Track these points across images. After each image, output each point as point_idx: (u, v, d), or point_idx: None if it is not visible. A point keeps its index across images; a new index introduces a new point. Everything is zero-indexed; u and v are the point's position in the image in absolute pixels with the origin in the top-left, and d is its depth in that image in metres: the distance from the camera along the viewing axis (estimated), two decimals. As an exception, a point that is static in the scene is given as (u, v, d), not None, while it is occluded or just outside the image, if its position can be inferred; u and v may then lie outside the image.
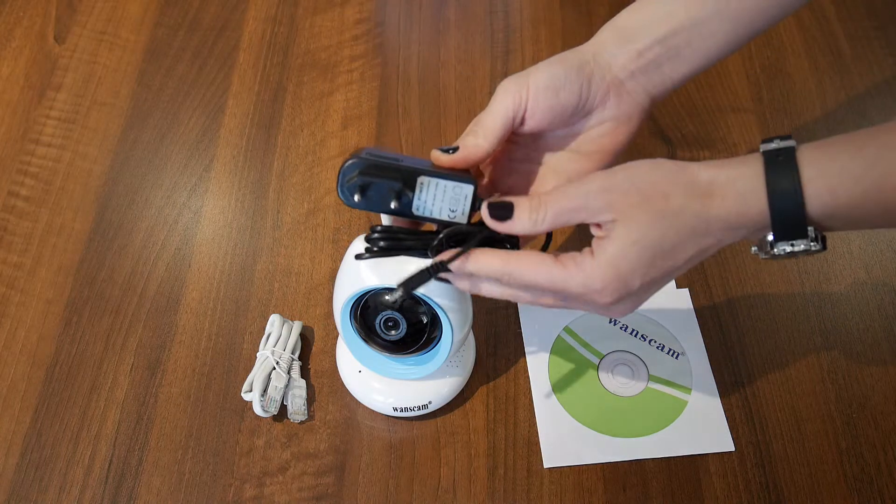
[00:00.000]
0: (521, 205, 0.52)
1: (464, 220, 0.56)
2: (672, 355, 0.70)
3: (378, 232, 0.57)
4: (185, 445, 0.66)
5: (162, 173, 0.81)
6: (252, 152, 0.83)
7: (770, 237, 0.50)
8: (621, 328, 0.72)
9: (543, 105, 0.56)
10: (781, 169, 0.49)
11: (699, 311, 0.73)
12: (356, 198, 0.54)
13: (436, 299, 0.59)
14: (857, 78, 0.88)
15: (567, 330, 0.72)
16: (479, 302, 0.72)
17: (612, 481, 0.64)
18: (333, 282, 0.63)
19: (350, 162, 0.54)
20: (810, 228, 0.50)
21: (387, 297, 0.60)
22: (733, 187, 0.50)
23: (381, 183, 0.54)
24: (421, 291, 0.59)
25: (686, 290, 0.74)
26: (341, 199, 0.55)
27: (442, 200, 0.55)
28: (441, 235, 0.55)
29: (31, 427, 0.67)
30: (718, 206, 0.50)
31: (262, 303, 0.73)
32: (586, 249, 0.52)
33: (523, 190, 0.60)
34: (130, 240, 0.77)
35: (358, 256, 0.58)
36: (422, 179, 0.54)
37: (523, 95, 0.55)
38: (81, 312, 0.73)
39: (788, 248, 0.50)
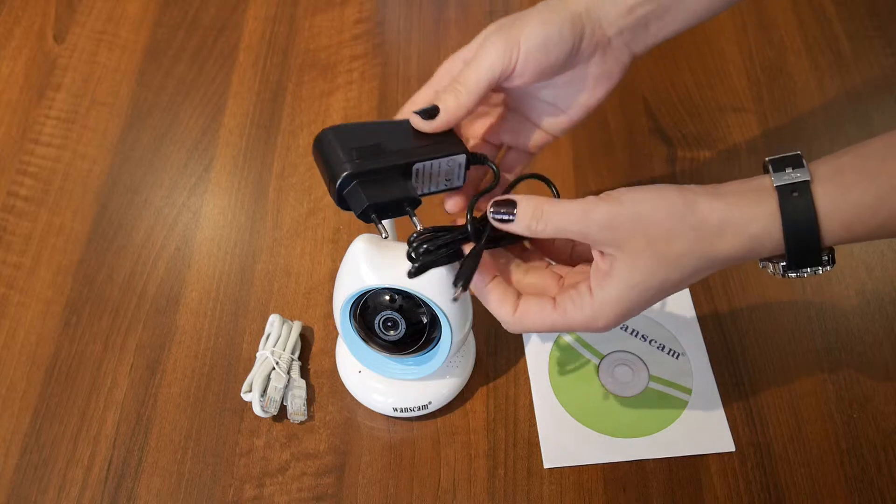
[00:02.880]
0: (524, 210, 0.52)
1: (459, 184, 0.57)
2: (672, 355, 0.70)
3: (418, 238, 0.54)
4: (184, 446, 0.66)
5: (162, 173, 0.81)
6: (252, 152, 0.83)
7: (782, 264, 0.50)
8: (621, 328, 0.72)
9: (533, 65, 0.53)
10: (798, 207, 0.48)
11: (699, 311, 0.73)
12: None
13: (435, 300, 0.59)
14: (857, 78, 0.88)
15: (567, 330, 0.72)
16: (478, 302, 0.72)
17: (612, 481, 0.64)
18: (333, 282, 0.63)
19: (343, 175, 0.52)
20: (823, 254, 0.49)
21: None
22: (746, 230, 0.49)
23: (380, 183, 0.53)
24: (421, 292, 0.59)
25: (686, 291, 0.74)
26: (342, 208, 0.54)
27: (438, 175, 0.55)
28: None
29: (30, 427, 0.67)
30: (729, 245, 0.49)
31: (261, 303, 0.73)
32: (584, 284, 0.52)
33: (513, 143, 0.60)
34: (130, 240, 0.77)
35: (411, 275, 0.54)
36: (417, 167, 0.54)
37: (513, 55, 0.53)
38: (81, 313, 0.73)
39: (800, 273, 0.50)
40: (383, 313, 0.61)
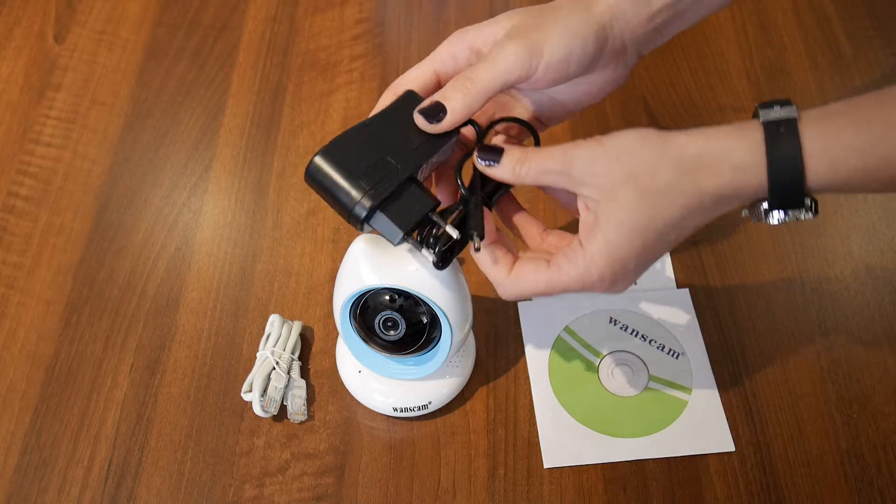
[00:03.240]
0: (509, 155, 0.51)
1: (446, 157, 0.56)
2: (672, 355, 0.70)
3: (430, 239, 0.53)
4: (184, 446, 0.66)
5: (162, 173, 0.81)
6: (252, 152, 0.83)
7: (764, 206, 0.49)
8: (621, 328, 0.72)
9: (552, 75, 0.52)
10: (784, 143, 0.47)
11: (699, 311, 0.73)
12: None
13: (435, 300, 0.59)
14: (857, 78, 0.88)
15: (567, 330, 0.71)
16: (478, 302, 0.72)
17: (612, 481, 0.64)
18: (333, 282, 0.63)
19: (363, 215, 0.49)
20: (807, 198, 0.48)
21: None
22: (729, 161, 0.48)
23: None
24: (421, 291, 0.59)
25: (686, 290, 0.74)
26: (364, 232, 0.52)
27: (437, 159, 0.54)
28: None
29: (30, 427, 0.67)
30: (711, 180, 0.48)
31: (261, 303, 0.73)
32: (575, 241, 0.51)
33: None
34: (130, 240, 0.77)
35: (440, 267, 0.54)
36: (422, 168, 0.53)
37: (534, 65, 0.51)
38: (81, 312, 0.73)
39: (783, 217, 0.49)
40: (383, 313, 0.61)
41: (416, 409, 0.66)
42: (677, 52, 0.90)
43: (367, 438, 0.66)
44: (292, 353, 0.69)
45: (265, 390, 0.66)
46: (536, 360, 0.70)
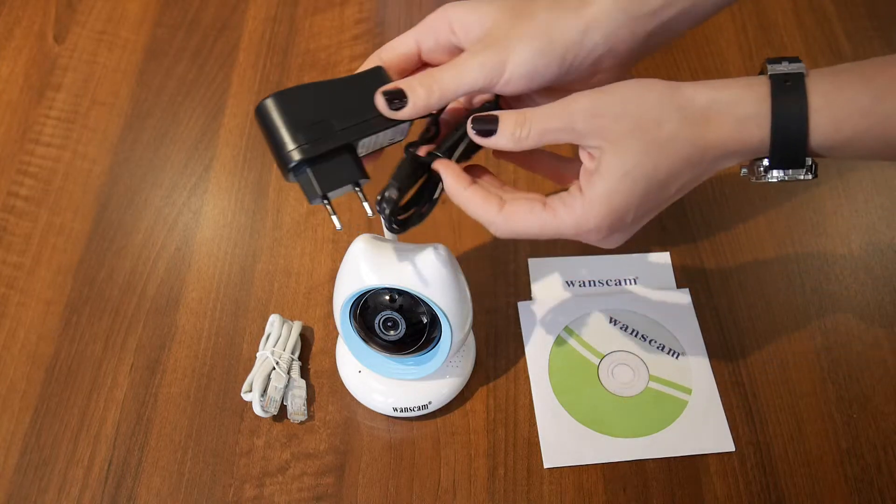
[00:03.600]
0: (506, 120, 0.50)
1: (402, 138, 0.55)
2: (672, 355, 0.70)
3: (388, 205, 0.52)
4: (184, 445, 0.66)
5: (162, 173, 0.81)
6: (252, 152, 0.83)
7: (765, 163, 0.49)
8: (621, 328, 0.72)
9: (515, 89, 0.52)
10: (789, 96, 0.46)
11: (699, 310, 0.73)
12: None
13: (435, 300, 0.59)
14: (857, 78, 0.88)
15: (567, 330, 0.72)
16: (479, 302, 0.72)
17: (612, 481, 0.64)
18: (333, 282, 0.63)
19: (293, 164, 0.50)
20: (808, 158, 0.48)
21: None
22: (733, 112, 0.47)
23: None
24: (421, 291, 0.59)
25: (686, 290, 0.74)
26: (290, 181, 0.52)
27: (384, 138, 0.54)
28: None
29: (30, 427, 0.67)
30: (715, 131, 0.47)
31: (261, 303, 0.73)
32: (574, 185, 0.50)
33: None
34: (130, 240, 0.77)
35: (397, 231, 0.53)
36: (364, 141, 0.52)
37: (495, 80, 0.51)
38: (81, 312, 0.73)
39: (781, 175, 0.49)
40: (383, 313, 0.61)
41: (416, 409, 0.66)
42: (677, 52, 0.90)
43: (367, 438, 0.66)
44: (292, 353, 0.69)
45: (265, 390, 0.66)
46: (536, 360, 0.70)
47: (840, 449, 0.65)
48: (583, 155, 0.50)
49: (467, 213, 0.52)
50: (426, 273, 0.58)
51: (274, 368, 0.67)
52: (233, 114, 0.85)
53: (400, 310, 0.61)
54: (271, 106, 0.51)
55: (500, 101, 0.56)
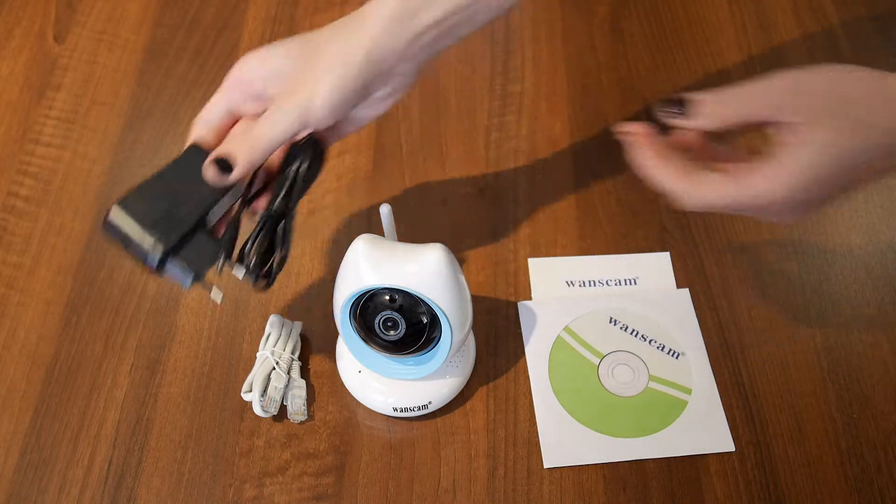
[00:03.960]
0: (705, 100, 0.50)
1: (241, 192, 0.57)
2: (672, 355, 0.70)
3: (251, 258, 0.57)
4: (184, 445, 0.66)
5: (162, 173, 0.81)
6: (252, 152, 0.82)
7: None
8: (621, 328, 0.72)
9: (328, 123, 0.56)
10: None
11: (699, 311, 0.73)
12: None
13: (435, 300, 0.59)
14: (857, 78, 0.88)
15: (567, 330, 0.72)
16: (479, 302, 0.72)
17: (612, 481, 0.64)
18: (333, 282, 0.63)
19: (150, 255, 0.54)
20: None
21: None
22: None
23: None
24: (420, 292, 0.59)
25: (686, 290, 0.74)
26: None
27: (226, 202, 0.57)
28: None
29: (30, 427, 0.67)
30: None
31: (262, 303, 0.73)
32: (771, 153, 0.49)
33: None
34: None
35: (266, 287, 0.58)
36: (209, 215, 0.56)
37: (307, 123, 0.55)
38: (81, 312, 0.73)
39: None
40: (383, 313, 0.61)
41: (416, 409, 0.66)
42: (677, 52, 0.90)
43: (367, 438, 0.66)
44: (292, 353, 0.69)
45: (265, 390, 0.66)
46: (536, 360, 0.70)
47: (840, 449, 0.65)
48: (783, 131, 0.50)
49: (654, 182, 0.52)
50: (426, 273, 0.58)
51: (274, 368, 0.67)
52: (233, 114, 0.85)
53: (400, 310, 0.61)
54: (116, 217, 0.54)
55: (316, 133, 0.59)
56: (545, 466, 0.65)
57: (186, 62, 0.89)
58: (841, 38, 0.91)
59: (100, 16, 0.93)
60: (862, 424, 0.67)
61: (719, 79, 0.88)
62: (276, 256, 0.57)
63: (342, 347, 0.68)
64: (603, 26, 0.92)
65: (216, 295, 0.58)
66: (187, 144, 0.57)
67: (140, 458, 0.65)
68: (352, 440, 0.66)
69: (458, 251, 0.76)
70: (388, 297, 0.60)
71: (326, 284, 0.74)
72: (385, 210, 0.61)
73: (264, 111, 0.56)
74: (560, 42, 0.91)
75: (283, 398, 0.67)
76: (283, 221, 0.57)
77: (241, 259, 0.56)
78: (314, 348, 0.71)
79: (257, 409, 0.66)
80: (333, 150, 0.82)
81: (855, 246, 0.76)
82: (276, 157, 0.59)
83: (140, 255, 0.54)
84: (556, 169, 0.81)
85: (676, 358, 0.70)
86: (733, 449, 0.65)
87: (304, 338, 0.71)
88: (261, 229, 0.56)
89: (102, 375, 0.69)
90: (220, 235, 0.57)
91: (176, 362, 0.70)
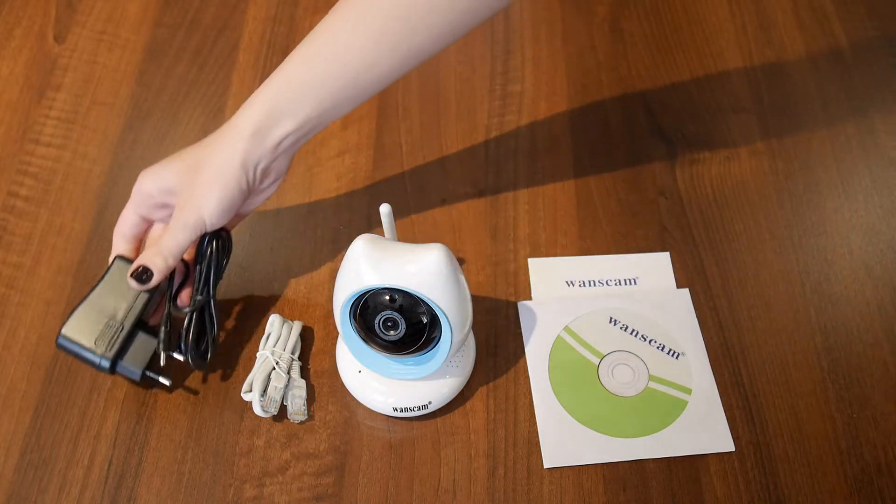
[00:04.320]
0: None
1: (165, 289, 0.67)
2: (672, 355, 0.70)
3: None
4: (185, 445, 0.66)
5: (162, 173, 0.81)
6: (252, 152, 0.82)
7: None
8: (621, 328, 0.72)
9: (221, 223, 0.66)
10: None
11: (699, 311, 0.73)
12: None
13: (435, 300, 0.59)
14: (857, 78, 0.88)
15: (567, 330, 0.72)
16: (479, 302, 0.72)
17: (612, 481, 0.64)
18: (333, 282, 0.63)
19: (100, 364, 0.64)
20: None
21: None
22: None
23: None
24: (420, 292, 0.59)
25: (686, 290, 0.74)
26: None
27: (156, 299, 0.67)
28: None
29: (30, 427, 0.67)
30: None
31: (262, 303, 0.73)
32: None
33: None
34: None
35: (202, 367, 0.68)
36: (145, 314, 0.66)
37: (201, 227, 0.64)
38: (81, 312, 0.72)
39: None
40: (383, 313, 0.61)
41: (416, 409, 0.66)
42: (677, 52, 0.90)
43: (367, 438, 0.66)
44: (292, 353, 0.69)
45: (265, 390, 0.66)
46: (536, 360, 0.70)
47: (840, 449, 0.65)
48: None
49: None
50: (426, 273, 0.58)
51: (274, 368, 0.67)
52: (233, 114, 0.85)
53: (400, 310, 0.61)
54: (65, 341, 0.64)
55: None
56: (545, 466, 0.65)
57: (186, 62, 0.89)
58: (841, 38, 0.91)
59: (100, 16, 0.94)
60: (862, 424, 0.67)
61: (719, 79, 0.88)
62: (209, 338, 0.67)
63: (342, 347, 0.68)
64: (603, 26, 0.92)
65: (165, 381, 0.66)
66: (111, 257, 0.67)
67: (140, 458, 0.65)
68: (352, 440, 0.66)
69: (458, 251, 0.76)
70: (388, 297, 0.60)
71: (326, 284, 0.74)
72: (385, 210, 0.61)
73: (170, 214, 0.66)
74: (560, 42, 0.91)
75: (283, 398, 0.67)
76: (207, 309, 0.67)
77: (179, 347, 0.66)
78: (314, 348, 0.71)
79: (257, 409, 0.66)
80: (333, 150, 0.83)
81: (855, 246, 0.76)
82: (189, 254, 0.68)
83: (93, 365, 0.64)
84: (556, 169, 0.81)
85: (676, 358, 0.70)
86: (733, 449, 0.65)
87: (304, 338, 0.71)
88: (189, 321, 0.66)
89: (102, 375, 0.69)
90: (157, 324, 0.67)
91: (176, 362, 0.70)
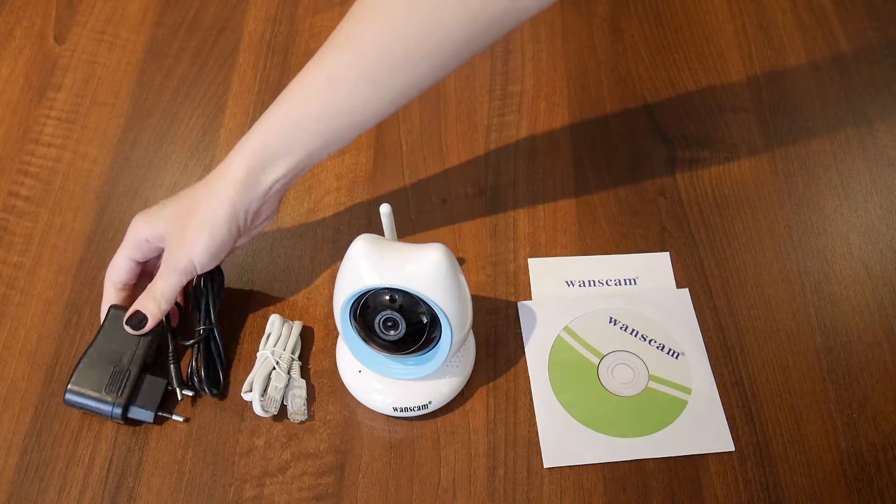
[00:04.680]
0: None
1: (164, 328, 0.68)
2: (672, 355, 0.70)
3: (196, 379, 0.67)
4: (185, 445, 0.66)
5: (162, 173, 0.81)
6: (252, 152, 0.82)
7: None
8: (621, 328, 0.72)
9: (211, 266, 0.67)
10: None
11: (699, 311, 0.73)
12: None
13: (435, 300, 0.59)
14: (857, 78, 0.88)
15: (567, 330, 0.72)
16: (479, 302, 0.72)
17: (612, 481, 0.64)
18: (333, 282, 0.63)
19: (112, 413, 0.65)
20: None
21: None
22: None
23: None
24: (420, 292, 0.59)
25: (686, 290, 0.74)
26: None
27: (155, 341, 0.68)
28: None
29: (30, 427, 0.67)
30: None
31: (261, 303, 0.73)
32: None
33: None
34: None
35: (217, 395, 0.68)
36: (147, 356, 0.67)
37: (192, 270, 0.66)
38: (81, 312, 0.72)
39: None
40: (383, 313, 0.61)
41: (416, 409, 0.66)
42: (677, 52, 0.90)
43: (367, 438, 0.66)
44: (292, 352, 0.69)
45: (265, 390, 0.66)
46: (536, 360, 0.70)
47: (840, 449, 0.66)
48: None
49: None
50: (426, 273, 0.58)
51: (274, 368, 0.67)
52: (233, 114, 0.85)
53: (400, 310, 0.61)
54: (74, 391, 0.65)
55: None
56: (545, 466, 0.65)
57: (186, 62, 0.89)
58: (840, 38, 0.91)
59: (100, 16, 0.94)
60: (862, 424, 0.67)
61: (719, 78, 0.88)
62: (218, 365, 0.68)
63: (342, 347, 0.68)
64: (603, 26, 0.92)
65: (179, 418, 0.66)
66: (103, 307, 0.69)
67: (140, 458, 0.65)
68: (352, 440, 0.66)
69: (458, 251, 0.76)
70: (388, 297, 0.60)
71: (326, 284, 0.74)
72: (385, 210, 0.61)
73: (160, 256, 0.68)
74: (560, 42, 0.91)
75: (284, 398, 0.67)
76: (212, 338, 0.68)
77: (190, 381, 0.67)
78: (314, 348, 0.71)
79: (257, 409, 0.66)
80: (333, 150, 0.83)
81: (855, 246, 0.76)
82: (180, 297, 0.71)
83: (105, 415, 0.65)
84: (556, 169, 0.81)
85: (676, 358, 0.70)
86: (733, 449, 0.66)
87: (304, 338, 0.71)
88: (196, 355, 0.67)
89: (102, 375, 0.69)
90: (164, 363, 0.68)
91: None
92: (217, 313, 0.69)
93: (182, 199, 0.66)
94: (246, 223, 0.66)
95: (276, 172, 0.64)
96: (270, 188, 0.64)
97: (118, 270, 0.68)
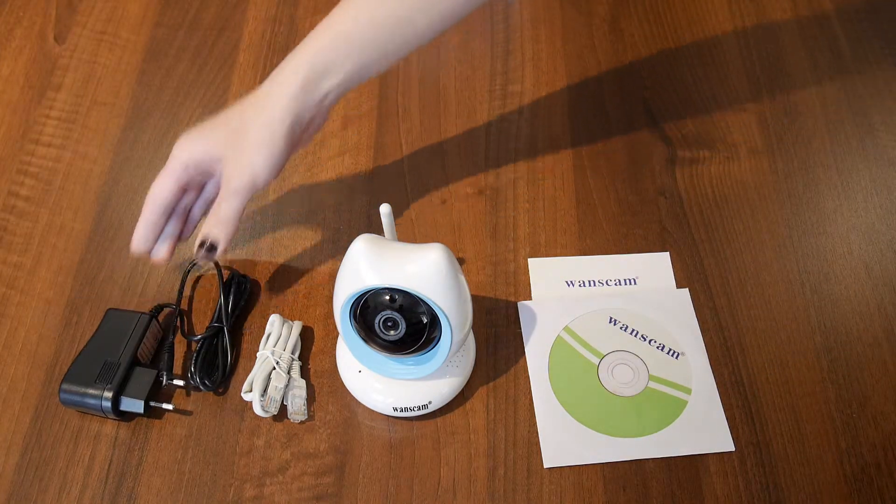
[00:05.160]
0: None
1: (159, 329, 0.70)
2: (672, 355, 0.70)
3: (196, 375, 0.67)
4: (185, 445, 0.66)
5: (162, 173, 0.81)
6: (252, 152, 0.82)
7: None
8: (621, 328, 0.72)
9: (271, 180, 0.66)
10: None
11: (699, 311, 0.73)
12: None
13: (435, 300, 0.59)
14: (857, 78, 0.88)
15: (567, 330, 0.72)
16: (479, 302, 0.72)
17: (612, 481, 0.64)
18: (333, 282, 0.63)
19: (102, 401, 0.65)
20: None
21: None
22: None
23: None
24: (420, 292, 0.59)
25: (686, 290, 0.74)
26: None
27: (149, 338, 0.69)
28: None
29: (30, 427, 0.67)
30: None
31: (261, 303, 0.73)
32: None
33: None
34: (130, 240, 0.77)
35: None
36: (139, 351, 0.68)
37: (254, 186, 0.65)
38: (81, 312, 0.73)
39: None
40: (383, 313, 0.61)
41: (416, 409, 0.66)
42: (677, 52, 0.90)
43: (367, 438, 0.66)
44: (292, 352, 0.69)
45: (265, 390, 0.66)
46: (536, 360, 0.70)
47: (840, 449, 0.66)
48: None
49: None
50: (426, 273, 0.58)
51: (274, 368, 0.67)
52: (233, 114, 0.85)
53: (400, 310, 0.61)
54: (66, 392, 0.66)
55: None
56: (545, 466, 0.65)
57: (186, 62, 0.89)
58: (840, 38, 0.91)
59: (100, 16, 0.94)
60: (862, 424, 0.67)
61: (719, 78, 0.88)
62: (220, 364, 0.68)
63: (342, 347, 0.68)
64: (603, 26, 0.92)
65: (168, 406, 0.66)
66: (140, 230, 0.67)
67: (140, 458, 0.65)
68: (352, 440, 0.66)
69: (458, 251, 0.76)
70: (388, 297, 0.60)
71: (326, 284, 0.74)
72: (385, 210, 0.61)
73: (207, 181, 0.69)
74: (560, 42, 0.91)
75: (284, 398, 0.67)
76: (221, 337, 0.69)
77: (188, 376, 0.67)
78: (314, 348, 0.71)
79: (257, 409, 0.66)
80: (333, 150, 0.83)
81: (855, 246, 0.76)
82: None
83: (97, 408, 0.65)
84: (555, 169, 0.81)
85: (676, 358, 0.70)
86: (733, 449, 0.66)
87: (304, 338, 0.71)
88: (198, 350, 0.68)
89: (102, 375, 0.69)
90: (155, 356, 0.69)
91: (176, 362, 0.70)
92: (234, 317, 0.70)
93: (231, 120, 0.66)
94: (298, 135, 0.66)
95: (330, 82, 0.65)
96: (325, 98, 0.65)
97: (164, 191, 0.67)
